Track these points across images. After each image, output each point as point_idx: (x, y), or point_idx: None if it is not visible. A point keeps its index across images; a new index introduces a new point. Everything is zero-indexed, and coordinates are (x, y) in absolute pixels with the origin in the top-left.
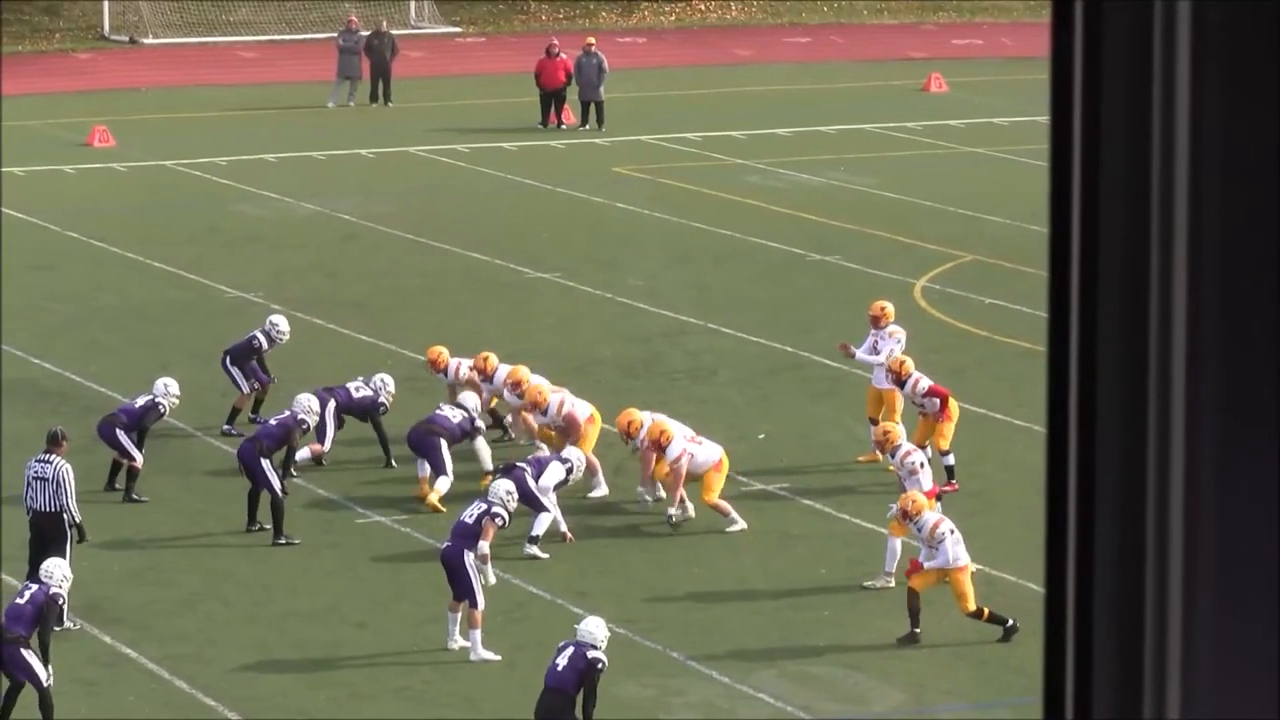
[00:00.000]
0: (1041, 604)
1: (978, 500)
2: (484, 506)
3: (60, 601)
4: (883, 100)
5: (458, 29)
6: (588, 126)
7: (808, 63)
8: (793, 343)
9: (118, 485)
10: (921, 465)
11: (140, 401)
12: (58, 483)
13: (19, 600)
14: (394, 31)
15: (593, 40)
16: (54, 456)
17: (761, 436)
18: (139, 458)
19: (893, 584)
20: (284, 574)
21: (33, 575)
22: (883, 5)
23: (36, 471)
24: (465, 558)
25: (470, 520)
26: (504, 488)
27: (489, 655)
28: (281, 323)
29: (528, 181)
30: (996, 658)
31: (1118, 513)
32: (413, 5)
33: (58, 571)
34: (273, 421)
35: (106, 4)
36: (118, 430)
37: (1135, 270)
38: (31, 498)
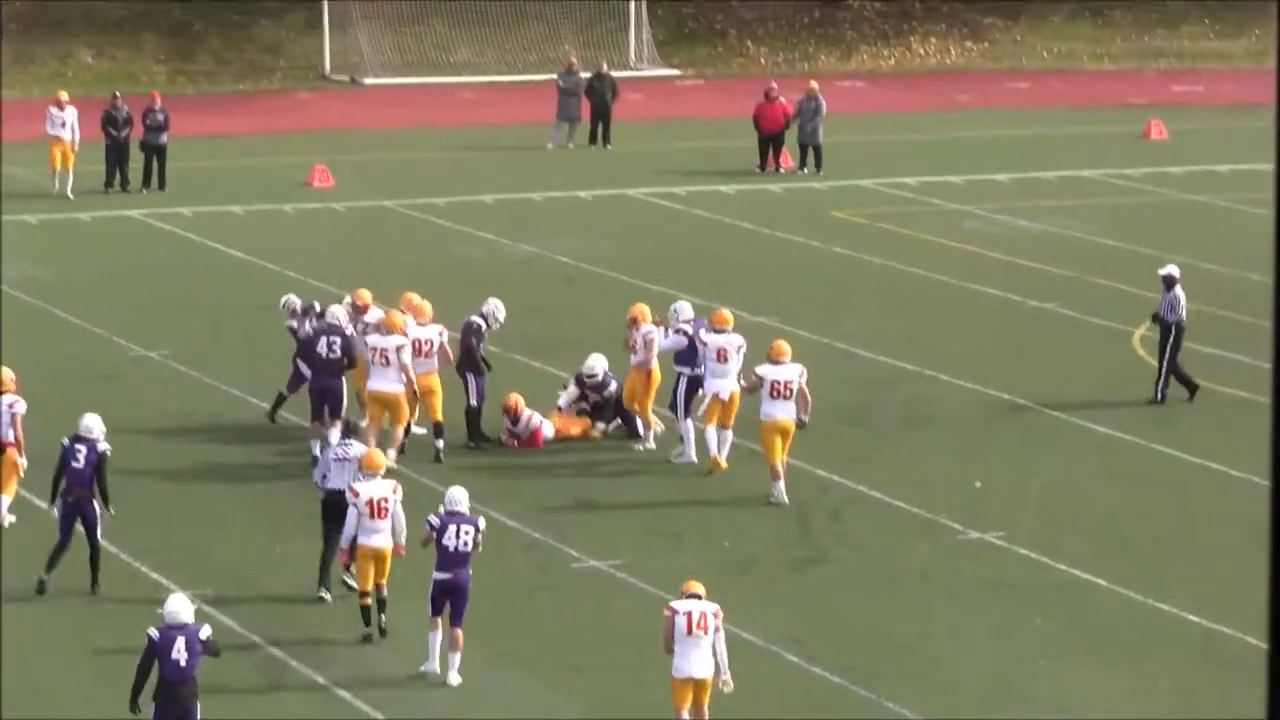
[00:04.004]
0: (1263, 662)
1: (1197, 550)
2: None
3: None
4: (1102, 146)
5: (676, 71)
6: (806, 170)
7: (1027, 108)
8: (1010, 390)
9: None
10: None
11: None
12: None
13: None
14: (613, 73)
15: (815, 84)
16: (354, 440)
17: (978, 485)
18: None
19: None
20: None
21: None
22: (1103, 51)
23: (338, 454)
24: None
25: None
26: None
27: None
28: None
29: (745, 225)
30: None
31: None
32: (632, 47)
33: (97, 426)
34: None
35: (328, 44)
36: None
37: None
38: (327, 478)
